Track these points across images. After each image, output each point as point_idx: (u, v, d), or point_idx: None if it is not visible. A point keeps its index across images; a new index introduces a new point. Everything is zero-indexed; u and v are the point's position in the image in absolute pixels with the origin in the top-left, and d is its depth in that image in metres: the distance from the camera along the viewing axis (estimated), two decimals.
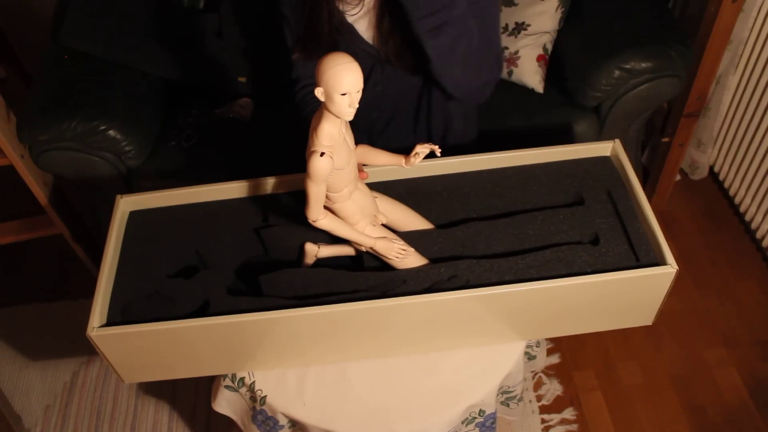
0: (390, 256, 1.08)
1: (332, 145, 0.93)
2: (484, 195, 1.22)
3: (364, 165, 1.15)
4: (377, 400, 1.16)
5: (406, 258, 1.09)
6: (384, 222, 1.12)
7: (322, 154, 0.91)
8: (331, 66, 0.86)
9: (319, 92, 0.88)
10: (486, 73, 1.29)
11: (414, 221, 1.17)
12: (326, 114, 0.91)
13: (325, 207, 1.02)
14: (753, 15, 1.78)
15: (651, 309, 1.15)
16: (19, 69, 2.46)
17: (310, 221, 1.00)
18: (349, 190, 1.02)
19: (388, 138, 1.44)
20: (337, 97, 0.87)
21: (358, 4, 1.23)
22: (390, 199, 1.16)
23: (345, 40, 1.26)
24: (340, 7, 1.23)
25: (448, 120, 1.42)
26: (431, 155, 1.06)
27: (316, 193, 0.96)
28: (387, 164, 1.10)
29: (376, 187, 1.22)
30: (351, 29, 1.26)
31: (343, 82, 0.86)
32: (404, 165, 1.07)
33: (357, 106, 0.89)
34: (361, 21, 1.26)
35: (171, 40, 1.82)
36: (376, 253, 1.10)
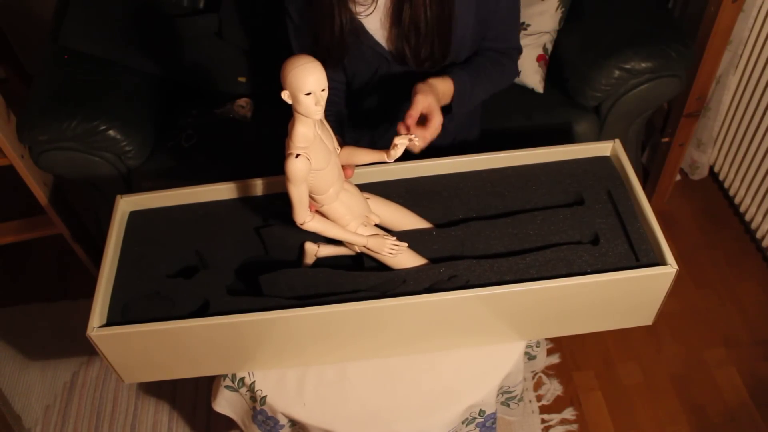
0: (383, 253, 1.08)
1: (307, 147, 0.94)
2: (484, 195, 1.22)
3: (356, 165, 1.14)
4: (377, 400, 1.16)
5: (399, 254, 1.09)
6: (377, 222, 1.12)
7: (297, 156, 0.93)
8: (293, 68, 0.88)
9: (285, 95, 0.90)
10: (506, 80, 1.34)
11: (410, 220, 1.17)
12: (297, 116, 0.93)
13: (317, 211, 1.03)
14: (753, 15, 1.78)
15: (651, 309, 1.15)
16: (19, 69, 2.47)
17: (298, 224, 1.01)
18: (335, 191, 1.02)
19: (392, 136, 1.43)
20: (302, 98, 0.89)
21: (370, 5, 1.21)
22: (383, 200, 1.16)
23: (353, 39, 1.25)
24: (353, 9, 1.22)
25: (451, 117, 1.41)
26: (418, 154, 1.06)
27: (297, 195, 0.97)
28: (371, 161, 1.10)
29: (376, 187, 1.22)
30: (360, 27, 1.24)
31: (306, 82, 0.88)
32: (387, 159, 1.07)
33: (324, 104, 0.91)
34: (372, 19, 1.24)
35: (171, 40, 1.82)
36: (369, 252, 1.10)
